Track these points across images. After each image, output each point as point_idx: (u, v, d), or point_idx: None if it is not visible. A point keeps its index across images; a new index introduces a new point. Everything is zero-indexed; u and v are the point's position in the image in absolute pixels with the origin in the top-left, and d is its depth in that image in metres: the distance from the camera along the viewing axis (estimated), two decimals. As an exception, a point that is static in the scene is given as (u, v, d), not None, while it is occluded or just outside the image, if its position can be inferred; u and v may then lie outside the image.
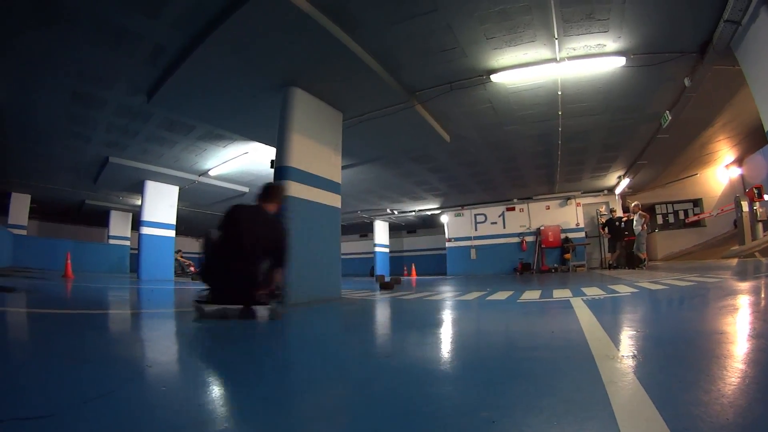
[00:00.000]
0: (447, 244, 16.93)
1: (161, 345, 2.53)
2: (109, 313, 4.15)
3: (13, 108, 7.21)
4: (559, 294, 5.09)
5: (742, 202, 10.23)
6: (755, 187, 10.04)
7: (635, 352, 1.88)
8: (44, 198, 14.57)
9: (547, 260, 14.72)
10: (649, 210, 14.65)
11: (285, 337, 2.96)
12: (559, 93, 6.62)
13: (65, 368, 1.80)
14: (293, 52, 5.07)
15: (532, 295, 5.25)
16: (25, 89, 6.47)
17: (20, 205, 14.36)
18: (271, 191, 3.95)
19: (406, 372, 1.79)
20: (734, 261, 9.54)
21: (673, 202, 15.31)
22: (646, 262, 10.57)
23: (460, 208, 16.35)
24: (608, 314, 3.29)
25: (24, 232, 14.56)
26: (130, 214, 16.73)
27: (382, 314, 4.38)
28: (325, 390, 1.59)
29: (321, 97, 6.15)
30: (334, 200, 6.21)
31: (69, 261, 10.16)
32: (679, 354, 1.81)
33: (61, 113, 7.35)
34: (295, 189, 5.43)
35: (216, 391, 1.58)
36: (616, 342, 2.08)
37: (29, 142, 9.02)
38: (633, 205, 11.25)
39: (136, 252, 11.60)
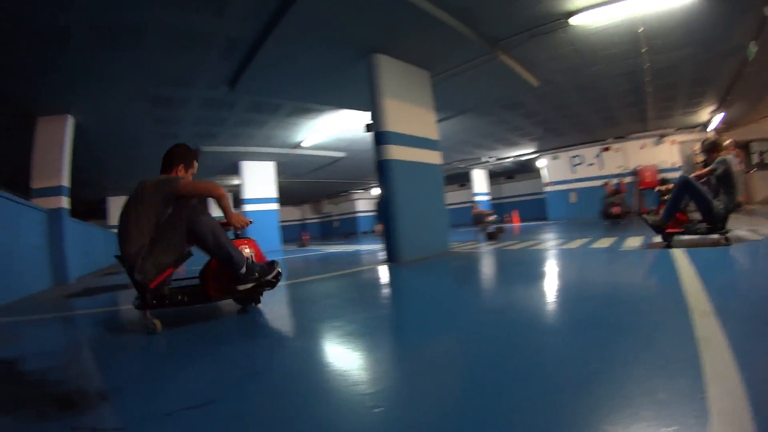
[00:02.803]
0: (546, 189, 16.44)
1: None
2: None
3: (99, 124, 7.85)
4: (659, 241, 4.71)
5: None
6: None
7: (729, 308, 1.84)
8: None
9: (646, 203, 13.83)
10: (744, 147, 13.62)
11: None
12: (640, 30, 6.31)
13: (214, 355, 1.92)
14: (369, 21, 5.09)
15: (633, 242, 5.18)
16: (107, 105, 7.04)
17: (117, 208, 15.84)
18: None
19: (519, 325, 1.95)
20: None
21: (771, 139, 14.05)
22: (743, 206, 9.98)
23: (555, 150, 15.70)
24: (708, 267, 3.03)
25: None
26: (230, 195, 17.41)
27: (491, 267, 4.53)
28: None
29: (405, 59, 6.18)
30: (434, 158, 6.38)
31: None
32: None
33: (146, 118, 7.91)
34: (396, 152, 5.69)
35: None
36: (713, 297, 2.04)
37: (119, 149, 9.81)
38: (726, 143, 10.55)
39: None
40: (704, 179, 4.35)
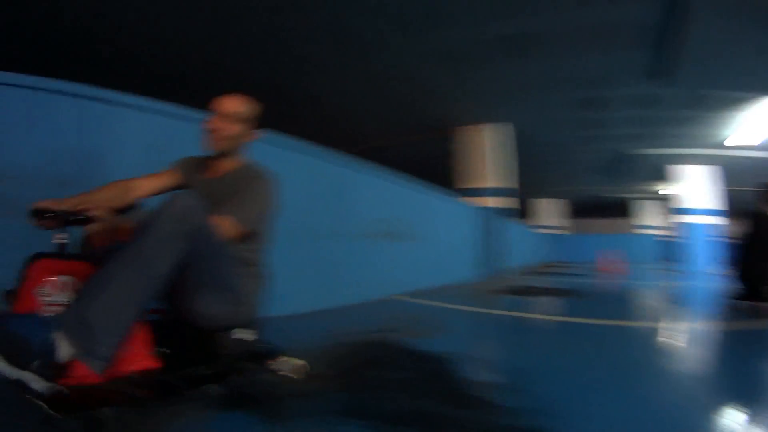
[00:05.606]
0: None
1: None
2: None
3: (533, 132, 8.44)
4: None
5: None
6: None
7: None
8: (576, 199, 17.06)
9: None
10: None
11: None
12: None
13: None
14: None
15: None
16: (535, 114, 7.52)
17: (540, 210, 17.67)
18: None
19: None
20: None
21: None
22: None
23: None
24: None
25: (566, 232, 17.86)
26: (657, 202, 16.82)
27: None
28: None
29: None
30: None
31: (602, 257, 10.42)
32: None
33: (571, 122, 8.08)
34: None
35: None
36: None
37: (544, 156, 10.51)
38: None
39: (668, 240, 11.26)
40: None
